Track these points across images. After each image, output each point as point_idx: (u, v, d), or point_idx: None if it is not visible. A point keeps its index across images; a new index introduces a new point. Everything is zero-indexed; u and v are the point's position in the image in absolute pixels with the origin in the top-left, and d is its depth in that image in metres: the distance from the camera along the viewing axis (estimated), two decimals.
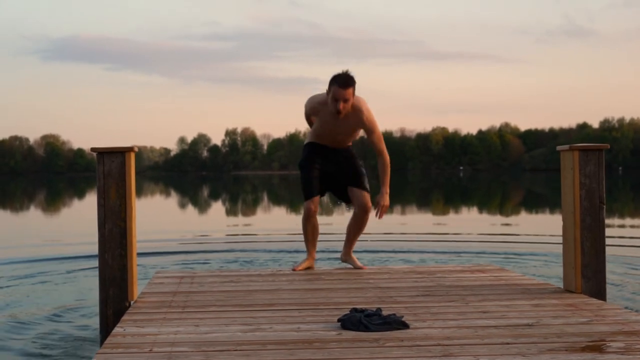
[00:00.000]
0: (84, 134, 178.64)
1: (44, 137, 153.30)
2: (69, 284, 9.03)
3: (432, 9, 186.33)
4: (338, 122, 6.43)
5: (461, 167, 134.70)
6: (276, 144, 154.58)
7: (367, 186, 6.69)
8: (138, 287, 5.57)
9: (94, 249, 5.52)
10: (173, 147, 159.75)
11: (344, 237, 6.90)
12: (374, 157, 6.52)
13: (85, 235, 13.51)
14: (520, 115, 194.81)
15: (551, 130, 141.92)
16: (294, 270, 6.65)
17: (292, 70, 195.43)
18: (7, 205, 32.83)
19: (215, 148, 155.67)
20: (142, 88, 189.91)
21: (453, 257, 11.16)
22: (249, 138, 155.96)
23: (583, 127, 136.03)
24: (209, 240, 14.95)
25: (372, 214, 6.62)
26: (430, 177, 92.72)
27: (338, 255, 7.55)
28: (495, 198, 36.58)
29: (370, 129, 6.47)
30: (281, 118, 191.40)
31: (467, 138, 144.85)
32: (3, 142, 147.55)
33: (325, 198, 5.85)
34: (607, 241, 5.62)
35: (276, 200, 37.49)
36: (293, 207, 29.66)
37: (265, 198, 39.63)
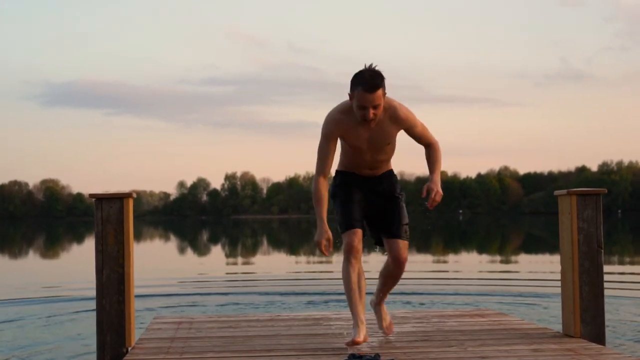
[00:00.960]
0: (84, 179, 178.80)
1: (43, 182, 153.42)
2: (67, 327, 8.99)
3: (431, 53, 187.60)
4: (371, 132, 5.10)
5: (460, 211, 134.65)
6: (275, 188, 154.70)
7: (408, 234, 5.33)
8: (136, 332, 5.55)
9: (92, 293, 5.50)
10: (172, 191, 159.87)
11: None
12: None
13: (84, 282, 13.47)
14: (519, 158, 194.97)
15: (550, 174, 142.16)
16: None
17: (291, 115, 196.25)
18: (5, 251, 32.75)
19: (214, 192, 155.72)
20: (142, 132, 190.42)
21: (452, 300, 11.12)
22: (249, 182, 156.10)
23: (582, 170, 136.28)
24: (208, 283, 14.90)
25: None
26: (429, 220, 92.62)
27: (339, 299, 7.38)
28: (495, 241, 36.53)
29: (411, 125, 5.18)
30: (280, 162, 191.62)
31: (467, 181, 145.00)
32: (2, 186, 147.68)
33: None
34: (607, 284, 5.62)
35: (275, 244, 37.42)
36: (293, 250, 29.63)
37: (265, 242, 39.56)
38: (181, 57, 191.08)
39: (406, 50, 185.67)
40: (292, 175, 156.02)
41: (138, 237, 44.56)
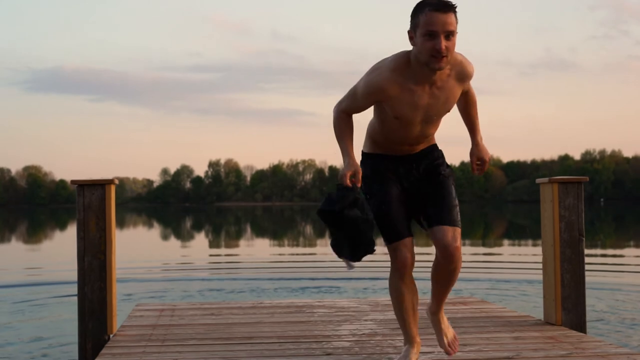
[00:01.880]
0: (67, 165, 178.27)
1: (26, 169, 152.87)
2: (48, 313, 8.97)
3: None
4: (431, 96, 3.87)
5: None
6: (259, 175, 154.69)
7: (459, 219, 4.16)
8: (118, 320, 5.54)
9: (73, 279, 5.48)
10: (156, 178, 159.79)
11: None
12: None
13: (65, 268, 13.44)
14: (503, 147, 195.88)
15: (533, 162, 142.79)
16: None
17: (275, 102, 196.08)
18: None
19: (198, 179, 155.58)
20: (125, 119, 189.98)
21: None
22: (232, 169, 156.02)
23: (565, 159, 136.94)
24: (190, 270, 14.90)
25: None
26: None
27: (321, 285, 7.29)
28: (478, 229, 36.65)
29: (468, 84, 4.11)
30: (264, 150, 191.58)
31: None
32: None
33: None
34: (588, 272, 5.64)
35: (259, 231, 37.41)
36: (276, 238, 29.63)
37: (248, 229, 39.55)
38: (166, 44, 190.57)
39: (392, 39, 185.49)
40: (275, 162, 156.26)
41: (121, 224, 44.46)
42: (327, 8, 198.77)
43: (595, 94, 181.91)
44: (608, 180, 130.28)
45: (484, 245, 23.81)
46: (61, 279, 12.25)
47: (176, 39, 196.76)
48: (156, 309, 6.40)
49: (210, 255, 19.95)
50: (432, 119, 3.99)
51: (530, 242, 24.30)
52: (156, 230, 39.59)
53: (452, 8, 3.73)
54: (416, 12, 3.73)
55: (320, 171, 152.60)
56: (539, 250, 12.16)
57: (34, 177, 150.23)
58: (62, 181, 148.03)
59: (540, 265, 5.79)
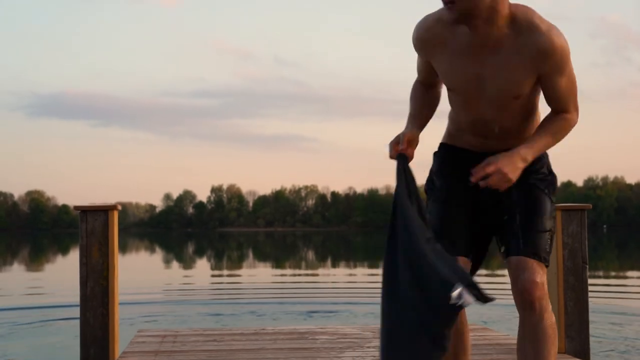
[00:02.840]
0: (69, 190, 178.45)
1: (29, 193, 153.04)
2: (49, 337, 8.96)
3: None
4: (481, 63, 2.99)
5: None
6: (262, 201, 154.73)
7: (546, 251, 3.13)
8: (120, 346, 5.52)
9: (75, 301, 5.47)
10: (158, 203, 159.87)
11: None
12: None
13: (68, 294, 13.42)
14: None
15: None
16: None
17: (277, 128, 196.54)
18: None
19: (200, 205, 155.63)
20: (128, 144, 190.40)
21: None
22: (235, 195, 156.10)
23: (567, 185, 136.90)
24: (192, 296, 14.87)
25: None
26: None
27: (324, 310, 7.12)
28: None
29: (558, 67, 3.00)
30: (267, 175, 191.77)
31: None
32: None
33: None
34: (592, 299, 5.62)
35: (261, 257, 37.36)
36: (278, 263, 29.60)
37: (250, 255, 39.50)
38: (169, 70, 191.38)
39: (393, 64, 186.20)
40: (278, 188, 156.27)
41: (123, 249, 44.43)
42: (329, 34, 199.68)
43: (597, 120, 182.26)
44: (611, 207, 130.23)
45: (486, 270, 23.75)
46: (63, 303, 12.23)
47: (179, 64, 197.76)
48: (158, 335, 6.38)
49: (212, 282, 19.91)
50: (500, 99, 3.04)
51: None
52: (158, 256, 39.55)
53: None
54: None
55: (322, 197, 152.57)
56: None
57: (36, 201, 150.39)
58: (64, 206, 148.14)
59: None
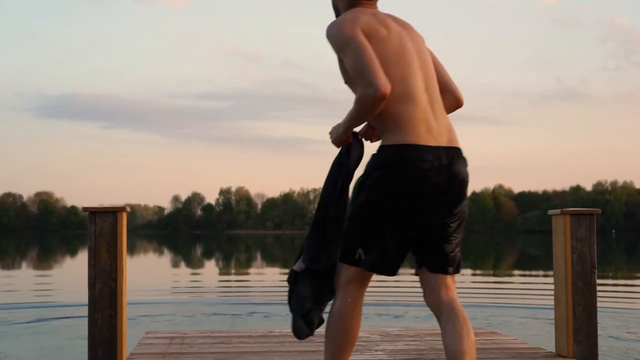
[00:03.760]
0: (78, 192, 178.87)
1: (38, 195, 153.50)
2: (58, 338, 8.97)
3: None
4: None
5: None
6: (270, 203, 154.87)
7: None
8: (127, 347, 5.53)
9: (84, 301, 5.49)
10: (167, 205, 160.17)
11: None
12: None
13: (76, 295, 13.45)
14: (514, 177, 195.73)
15: (545, 193, 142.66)
16: None
17: (286, 130, 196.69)
18: None
19: (209, 207, 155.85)
20: (137, 146, 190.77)
21: None
22: (243, 197, 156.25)
23: (576, 189, 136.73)
24: (200, 297, 14.88)
25: None
26: None
27: None
28: (489, 259, 36.54)
29: (336, 49, 3.39)
30: (275, 178, 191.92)
31: None
32: None
33: None
34: (600, 303, 5.61)
35: (269, 259, 37.37)
36: (286, 266, 29.56)
37: (259, 257, 39.51)
38: (178, 72, 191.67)
39: None
40: (286, 190, 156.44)
41: (132, 251, 44.49)
42: None
43: (606, 124, 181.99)
44: (620, 212, 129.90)
45: (494, 275, 23.72)
46: (71, 304, 12.26)
47: (188, 66, 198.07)
48: (166, 337, 6.39)
49: (220, 283, 19.92)
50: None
51: (541, 272, 24.22)
52: (166, 257, 39.59)
53: None
54: None
55: None
56: (550, 280, 12.15)
57: (45, 203, 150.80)
58: (73, 207, 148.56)
59: (552, 297, 5.76)
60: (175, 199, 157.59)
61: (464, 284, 18.69)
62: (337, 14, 3.57)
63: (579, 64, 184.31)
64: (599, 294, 5.60)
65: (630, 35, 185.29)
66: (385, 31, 3.33)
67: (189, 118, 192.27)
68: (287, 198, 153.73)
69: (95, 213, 5.20)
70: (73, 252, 43.68)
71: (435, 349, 5.71)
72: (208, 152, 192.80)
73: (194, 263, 33.24)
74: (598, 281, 5.55)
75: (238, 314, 11.46)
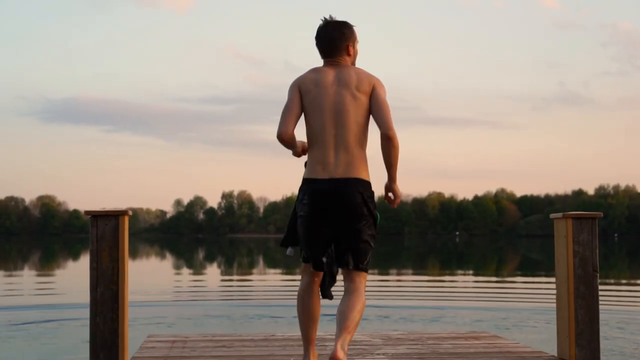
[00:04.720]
0: (80, 195, 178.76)
1: (40, 198, 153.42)
2: (59, 340, 8.98)
3: (430, 75, 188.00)
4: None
5: (457, 232, 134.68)
6: (272, 207, 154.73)
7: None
8: (129, 351, 5.52)
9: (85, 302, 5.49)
10: (169, 209, 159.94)
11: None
12: None
13: (78, 299, 13.45)
14: (516, 181, 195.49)
15: (547, 197, 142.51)
16: None
17: None
18: (1, 266, 32.66)
19: (211, 211, 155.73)
20: (140, 149, 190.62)
21: (448, 321, 11.09)
22: (245, 201, 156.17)
23: (579, 193, 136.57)
24: (202, 301, 14.87)
25: None
26: (426, 242, 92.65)
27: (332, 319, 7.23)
28: (491, 263, 36.51)
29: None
30: (277, 181, 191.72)
31: (464, 203, 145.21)
32: None
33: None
34: (602, 307, 5.61)
35: (271, 263, 37.35)
36: (288, 269, 29.57)
37: (261, 261, 39.50)
38: (180, 76, 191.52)
39: (405, 72, 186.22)
40: (289, 194, 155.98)
41: (134, 254, 44.50)
42: None
43: (609, 128, 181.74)
44: (622, 216, 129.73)
45: (497, 279, 23.70)
46: (73, 307, 12.26)
47: (190, 70, 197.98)
48: (168, 341, 6.39)
49: (222, 287, 19.92)
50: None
51: (543, 276, 24.21)
52: (169, 261, 39.58)
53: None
54: (353, 30, 4.73)
55: None
56: (552, 284, 12.13)
57: (47, 206, 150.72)
58: (75, 211, 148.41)
59: (554, 300, 5.76)
60: (178, 202, 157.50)
61: (467, 288, 18.68)
62: (347, 52, 4.73)
63: (582, 68, 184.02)
64: (601, 297, 5.59)
65: (633, 39, 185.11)
66: (313, 88, 4.54)
67: (192, 122, 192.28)
68: (289, 202, 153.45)
69: (97, 217, 5.20)
70: (75, 256, 43.68)
71: (437, 353, 5.71)
72: (210, 156, 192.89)
73: (196, 267, 33.23)
74: (600, 285, 5.55)
75: (240, 318, 11.46)
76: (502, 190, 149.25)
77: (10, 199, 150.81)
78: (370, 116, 4.50)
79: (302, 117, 4.61)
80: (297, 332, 7.34)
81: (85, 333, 5.64)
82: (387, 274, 25.82)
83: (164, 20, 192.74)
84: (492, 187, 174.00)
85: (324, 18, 4.67)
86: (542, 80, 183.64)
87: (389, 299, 14.36)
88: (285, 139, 4.54)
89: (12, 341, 8.82)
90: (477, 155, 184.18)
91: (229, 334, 7.35)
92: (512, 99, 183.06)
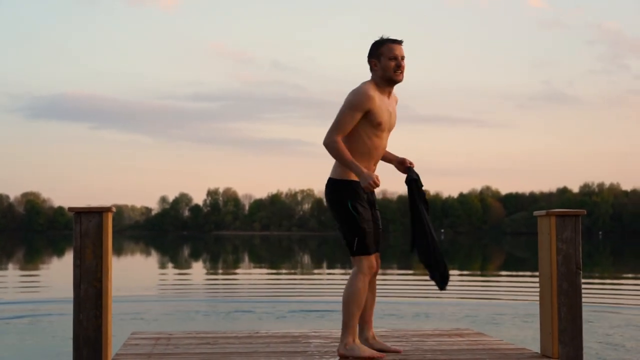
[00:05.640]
0: (65, 192, 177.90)
1: (25, 195, 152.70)
2: (43, 339, 8.94)
3: (417, 73, 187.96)
4: (391, 104, 5.40)
5: (442, 230, 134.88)
6: (258, 204, 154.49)
7: (357, 250, 5.42)
8: (113, 348, 5.51)
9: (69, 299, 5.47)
10: (154, 206, 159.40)
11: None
12: None
13: (61, 295, 13.40)
14: (501, 179, 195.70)
15: (532, 194, 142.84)
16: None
17: (275, 132, 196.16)
18: None
19: (196, 208, 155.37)
20: (125, 147, 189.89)
21: (432, 319, 11.12)
22: (231, 198, 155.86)
23: (563, 191, 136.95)
24: (186, 297, 14.85)
25: None
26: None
27: (315, 315, 7.25)
28: (476, 261, 36.60)
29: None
30: (263, 179, 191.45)
31: (449, 201, 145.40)
32: None
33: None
34: (585, 305, 5.62)
35: (257, 260, 37.33)
36: (274, 267, 29.58)
37: (246, 258, 39.47)
38: (167, 73, 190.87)
39: None
40: (274, 192, 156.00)
41: (118, 252, 44.38)
42: (328, 39, 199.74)
43: (594, 127, 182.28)
44: (606, 214, 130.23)
45: (481, 276, 23.77)
46: (57, 302, 12.23)
47: (177, 67, 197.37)
48: (152, 338, 6.38)
49: (207, 284, 19.89)
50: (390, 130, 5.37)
51: (527, 274, 24.29)
52: (154, 258, 39.49)
53: (401, 42, 5.30)
54: (376, 47, 5.27)
55: (319, 201, 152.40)
56: (536, 282, 12.19)
57: (32, 203, 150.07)
58: (60, 208, 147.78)
59: (538, 298, 5.77)
60: (163, 199, 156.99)
61: (452, 286, 18.73)
62: (370, 67, 5.35)
63: (567, 67, 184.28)
64: (584, 295, 5.61)
65: (618, 39, 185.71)
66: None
67: (178, 119, 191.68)
68: (274, 199, 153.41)
69: (81, 213, 5.18)
70: (60, 253, 43.53)
71: (422, 350, 5.72)
72: (196, 153, 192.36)
73: (181, 264, 33.17)
74: (584, 282, 5.57)
75: (224, 314, 11.45)
76: (487, 188, 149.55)
77: None
78: (358, 124, 5.19)
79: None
80: (280, 329, 7.35)
81: (69, 329, 5.61)
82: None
83: (151, 18, 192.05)
84: (477, 185, 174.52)
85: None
86: (527, 78, 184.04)
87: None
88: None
89: None
90: (462, 153, 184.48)
91: (213, 331, 7.34)
92: (498, 97, 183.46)
